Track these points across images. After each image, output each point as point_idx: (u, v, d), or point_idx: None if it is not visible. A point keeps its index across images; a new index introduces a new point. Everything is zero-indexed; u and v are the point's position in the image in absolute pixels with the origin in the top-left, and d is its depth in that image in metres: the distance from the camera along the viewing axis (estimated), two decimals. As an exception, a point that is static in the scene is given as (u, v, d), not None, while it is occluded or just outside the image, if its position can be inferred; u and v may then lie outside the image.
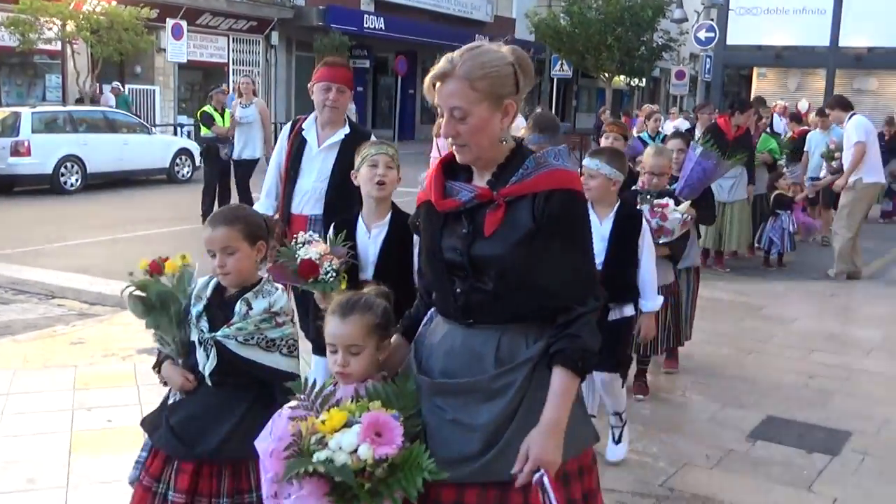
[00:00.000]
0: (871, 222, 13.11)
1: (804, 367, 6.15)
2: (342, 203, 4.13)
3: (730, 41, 26.49)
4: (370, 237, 3.57)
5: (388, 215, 3.58)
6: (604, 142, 5.64)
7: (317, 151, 4.57)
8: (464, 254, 2.24)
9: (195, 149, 17.23)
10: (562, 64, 30.10)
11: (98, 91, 20.99)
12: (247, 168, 11.77)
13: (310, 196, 4.54)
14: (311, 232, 3.62)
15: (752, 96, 25.70)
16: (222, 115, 11.85)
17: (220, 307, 2.77)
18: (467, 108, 2.17)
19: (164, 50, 22.58)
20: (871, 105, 24.73)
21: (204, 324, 2.74)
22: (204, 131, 11.98)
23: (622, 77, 34.62)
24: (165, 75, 24.35)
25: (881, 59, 25.87)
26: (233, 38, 26.97)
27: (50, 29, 19.25)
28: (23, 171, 15.22)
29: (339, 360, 2.35)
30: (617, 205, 4.18)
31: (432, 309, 2.44)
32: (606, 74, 31.40)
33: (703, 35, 22.83)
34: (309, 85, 4.63)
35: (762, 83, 28.01)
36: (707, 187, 5.89)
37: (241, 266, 2.74)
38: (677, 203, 4.98)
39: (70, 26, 19.41)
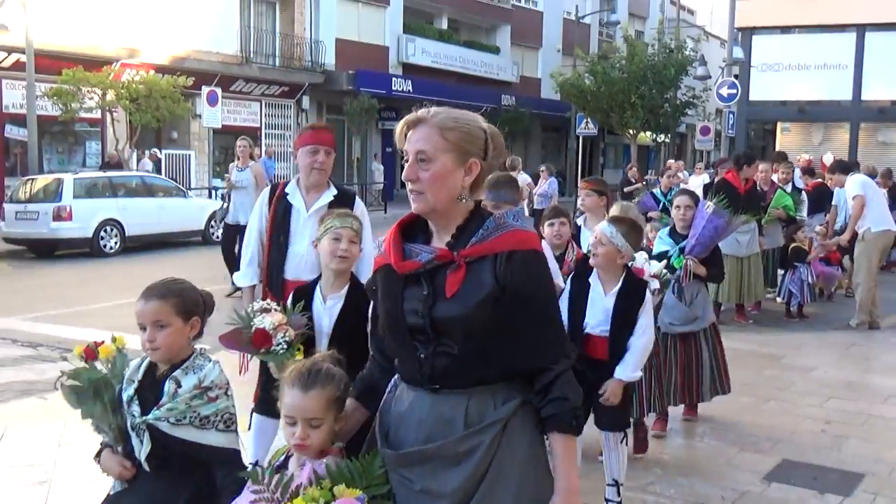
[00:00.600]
0: (886, 273, 13.27)
1: (821, 413, 6.32)
2: None
3: (752, 97, 26.86)
4: (325, 307, 3.56)
5: (346, 287, 3.57)
6: (579, 201, 5.76)
7: (307, 216, 4.50)
8: (425, 316, 2.21)
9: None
10: (587, 122, 30.57)
11: (136, 156, 21.70)
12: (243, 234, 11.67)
13: (305, 261, 4.43)
14: (267, 301, 3.63)
15: (777, 150, 26.05)
16: (259, 179, 12.33)
17: (150, 388, 2.68)
18: (432, 154, 2.20)
19: (200, 116, 23.34)
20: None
21: (135, 407, 2.65)
22: (238, 194, 12.43)
23: (648, 133, 35.05)
24: (200, 140, 25.12)
25: (905, 112, 26.06)
26: (265, 103, 27.81)
27: (91, 98, 20.06)
28: (65, 235, 15.78)
29: (297, 434, 2.33)
30: (623, 276, 4.16)
31: (395, 376, 2.41)
32: (631, 132, 31.83)
33: (725, 92, 23.16)
34: (294, 150, 4.71)
35: (786, 137, 28.26)
36: (716, 245, 5.89)
37: (172, 342, 2.66)
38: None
39: (110, 95, 20.22)
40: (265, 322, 3.37)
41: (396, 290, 2.28)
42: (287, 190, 4.57)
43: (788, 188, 10.94)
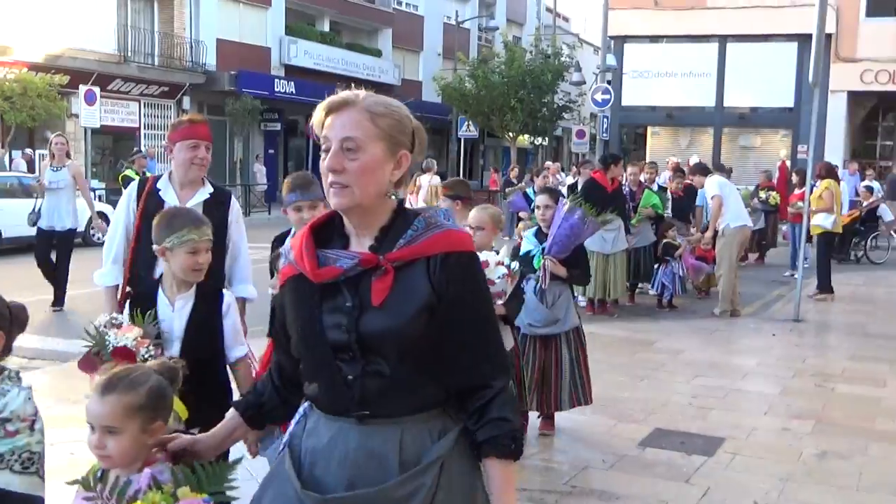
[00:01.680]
0: (750, 268, 14.37)
1: (688, 389, 6.98)
2: (214, 265, 3.63)
3: (625, 102, 28.20)
4: (174, 310, 3.28)
5: (194, 286, 3.32)
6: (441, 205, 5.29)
7: None
8: (351, 330, 1.95)
9: (110, 212, 17.51)
10: (468, 125, 31.34)
11: (9, 156, 21.03)
12: (65, 241, 10.43)
13: None
14: (113, 314, 3.31)
15: (648, 153, 27.41)
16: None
17: None
18: (362, 142, 1.95)
19: (76, 115, 22.78)
20: (756, 160, 26.59)
21: None
22: (127, 194, 12.36)
23: (526, 136, 36.12)
24: (76, 140, 24.39)
25: (763, 118, 27.91)
26: (144, 103, 27.29)
27: (-39, 96, 19.37)
28: (-64, 238, 15.23)
29: (94, 441, 2.13)
30: None
31: (304, 405, 2.13)
32: (511, 134, 32.79)
33: (599, 97, 24.25)
34: (166, 143, 4.42)
35: (656, 141, 29.76)
36: (581, 247, 5.73)
37: None
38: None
39: (-19, 93, 19.55)
40: (125, 339, 3.03)
41: (313, 304, 2.00)
42: (159, 185, 4.27)
43: (654, 188, 11.76)
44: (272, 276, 3.97)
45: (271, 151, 31.89)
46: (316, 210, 3.86)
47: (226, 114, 28.36)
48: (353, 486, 1.95)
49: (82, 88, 21.53)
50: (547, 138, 38.53)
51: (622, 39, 28.13)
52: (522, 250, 5.71)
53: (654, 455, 5.40)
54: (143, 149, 21.69)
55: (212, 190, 4.28)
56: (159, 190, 4.24)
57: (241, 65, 28.84)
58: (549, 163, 23.17)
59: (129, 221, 4.34)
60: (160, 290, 3.32)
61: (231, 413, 2.30)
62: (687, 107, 28.15)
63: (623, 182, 10.68)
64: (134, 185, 4.41)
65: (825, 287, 11.83)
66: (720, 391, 6.94)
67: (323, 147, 2.01)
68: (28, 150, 22.22)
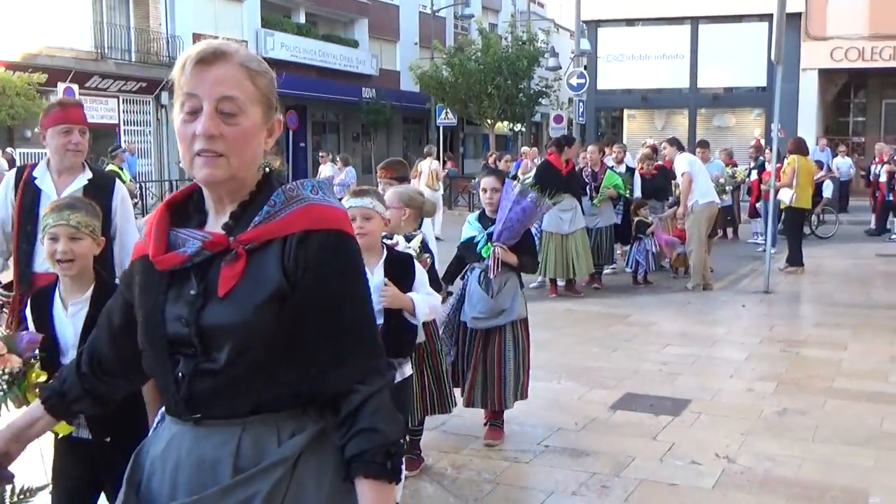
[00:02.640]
0: (722, 244, 14.68)
1: (659, 357, 7.31)
2: (101, 254, 3.30)
3: (600, 86, 28.52)
4: (67, 315, 2.94)
5: (91, 288, 2.96)
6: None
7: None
8: (191, 323, 1.67)
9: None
10: (446, 112, 31.54)
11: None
12: None
13: None
14: None
15: (625, 136, 27.72)
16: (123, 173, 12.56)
17: None
18: (243, 104, 1.69)
19: (55, 113, 22.80)
20: (732, 139, 26.97)
21: None
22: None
23: (505, 123, 36.39)
24: (56, 138, 24.54)
25: (736, 98, 28.32)
26: (123, 99, 27.37)
27: (-61, 97, 19.44)
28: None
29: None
30: (384, 253, 3.82)
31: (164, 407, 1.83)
32: (489, 121, 33.04)
33: (574, 81, 24.53)
34: (39, 130, 4.17)
35: (632, 123, 30.13)
36: (528, 232, 5.39)
37: None
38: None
39: (-41, 93, 19.64)
40: None
41: (157, 291, 1.74)
42: (35, 173, 4.08)
43: (622, 168, 11.99)
44: None
45: (251, 144, 31.98)
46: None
47: (205, 108, 28.46)
48: (182, 496, 1.69)
49: (61, 86, 21.56)
50: (525, 124, 38.81)
51: (596, 24, 28.44)
52: (464, 236, 5.29)
53: (624, 417, 5.71)
54: (122, 145, 21.80)
55: (90, 176, 4.11)
56: (35, 178, 4.07)
57: (218, 59, 28.90)
58: (525, 148, 23.46)
59: (6, 213, 4.15)
60: (56, 292, 2.98)
61: (35, 401, 2.06)
62: (661, 89, 28.52)
63: (578, 164, 10.79)
64: (12, 175, 4.23)
65: (795, 260, 12.19)
66: (689, 358, 7.26)
67: (187, 106, 1.69)
68: (9, 150, 22.26)
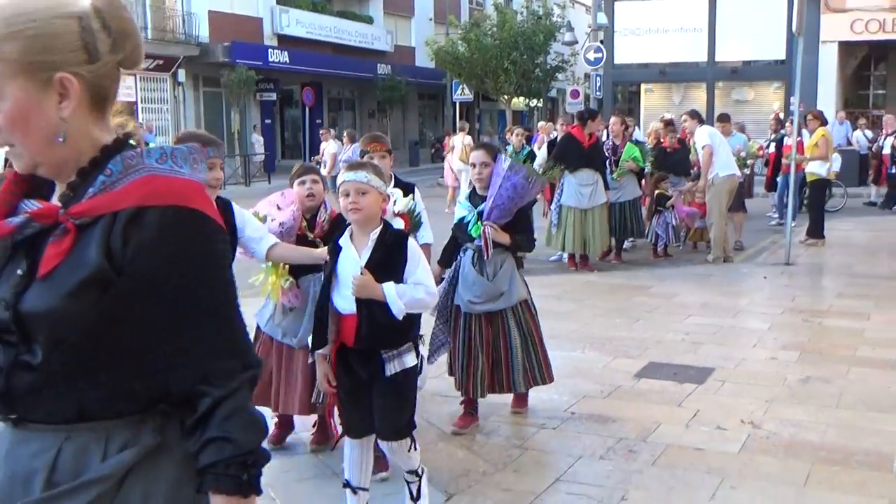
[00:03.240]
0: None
1: (682, 327, 7.35)
2: None
3: (617, 60, 28.31)
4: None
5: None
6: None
7: None
8: (10, 307, 1.44)
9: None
10: (462, 88, 31.48)
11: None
12: None
13: None
14: None
15: (642, 111, 27.59)
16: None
17: None
18: None
19: (74, 91, 22.92)
20: (750, 113, 26.78)
21: None
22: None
23: (521, 98, 36.26)
24: (75, 116, 24.68)
25: (755, 71, 28.09)
26: (140, 77, 27.42)
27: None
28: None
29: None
30: (379, 228, 3.48)
31: None
32: (505, 97, 32.93)
33: (591, 56, 24.44)
34: None
35: (650, 98, 29.94)
36: (524, 209, 4.92)
37: None
38: None
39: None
40: None
41: None
42: None
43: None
44: None
45: (268, 121, 32.05)
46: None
47: (221, 85, 28.52)
48: None
49: (79, 64, 21.69)
50: (542, 100, 38.66)
51: (613, -3, 28.21)
52: (456, 217, 4.99)
53: (649, 385, 5.76)
54: (141, 122, 21.92)
55: None
56: None
57: (234, 36, 28.92)
58: (541, 123, 23.40)
59: None
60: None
61: None
62: (679, 63, 28.28)
63: (601, 138, 10.72)
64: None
65: (816, 233, 12.17)
66: (712, 328, 7.30)
67: None
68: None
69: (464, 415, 4.99)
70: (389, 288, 3.37)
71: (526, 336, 4.92)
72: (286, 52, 30.85)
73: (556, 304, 8.26)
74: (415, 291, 3.41)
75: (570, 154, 9.84)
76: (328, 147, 19.90)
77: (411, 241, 3.55)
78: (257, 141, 30.15)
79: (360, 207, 3.39)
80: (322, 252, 3.83)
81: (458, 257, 4.91)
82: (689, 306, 8.22)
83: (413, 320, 3.54)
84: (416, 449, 3.64)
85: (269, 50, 30.45)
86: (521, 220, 4.87)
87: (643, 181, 11.36)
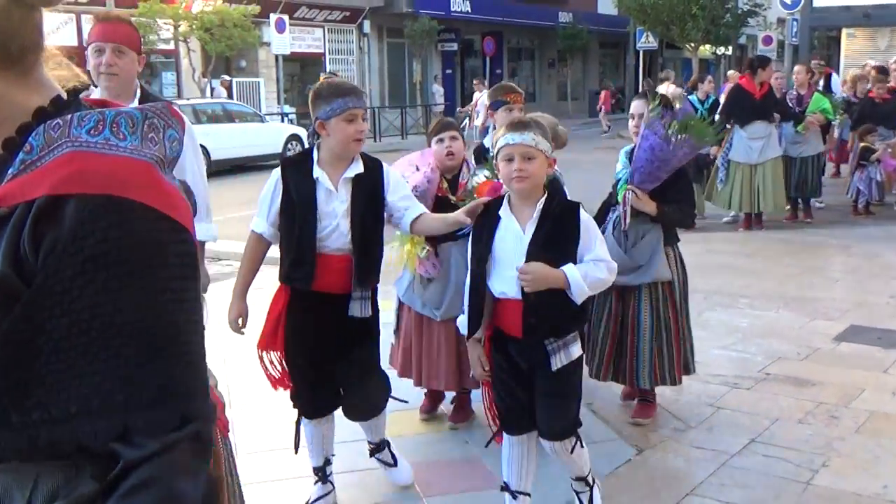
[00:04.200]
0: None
1: (886, 289, 6.91)
2: None
3: (816, 3, 26.52)
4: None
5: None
6: (504, 115, 4.11)
7: None
8: None
9: (304, 134, 18.78)
10: (647, 36, 30.53)
11: (210, 85, 22.57)
12: None
13: None
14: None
15: (842, 58, 25.80)
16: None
17: None
18: None
19: (267, 44, 23.99)
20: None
21: None
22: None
23: (708, 46, 34.76)
24: (268, 67, 25.82)
25: (975, 13, 25.60)
26: (328, 29, 28.31)
27: (167, 30, 20.86)
28: (156, 161, 16.74)
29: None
30: (542, 197, 3.02)
31: None
32: (692, 44, 31.66)
33: (788, -1, 22.98)
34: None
35: (851, 43, 27.96)
36: (681, 175, 4.20)
37: None
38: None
39: (183, 26, 21.00)
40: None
41: None
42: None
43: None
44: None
45: (449, 71, 32.36)
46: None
47: (404, 36, 28.99)
48: None
49: (273, 17, 22.64)
50: (731, 47, 36.90)
51: (814, -65, 26.38)
52: (616, 174, 4.38)
53: (850, 349, 5.47)
54: (332, 73, 22.65)
55: (135, 104, 3.35)
56: None
57: (418, -14, 29.28)
58: (731, 72, 22.35)
59: None
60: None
61: None
62: (887, 4, 26.16)
63: (774, 87, 9.72)
64: None
65: None
66: (920, 292, 6.83)
67: None
68: (225, 77, 23.65)
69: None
70: (573, 272, 2.93)
71: (660, 324, 4.19)
72: (468, 2, 30.92)
73: (748, 262, 7.98)
74: (597, 271, 2.98)
75: (739, 107, 9.31)
76: (482, 98, 19.83)
77: (583, 212, 3.06)
78: (438, 91, 30.54)
79: (526, 175, 2.92)
80: (465, 218, 3.14)
81: (607, 217, 4.29)
82: (893, 267, 7.70)
83: (586, 304, 3.11)
84: (582, 447, 3.19)
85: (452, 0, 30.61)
86: (676, 187, 4.13)
87: (827, 135, 10.61)
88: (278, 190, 3.32)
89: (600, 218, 4.26)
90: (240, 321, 3.39)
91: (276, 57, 23.56)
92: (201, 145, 17.03)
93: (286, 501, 3.63)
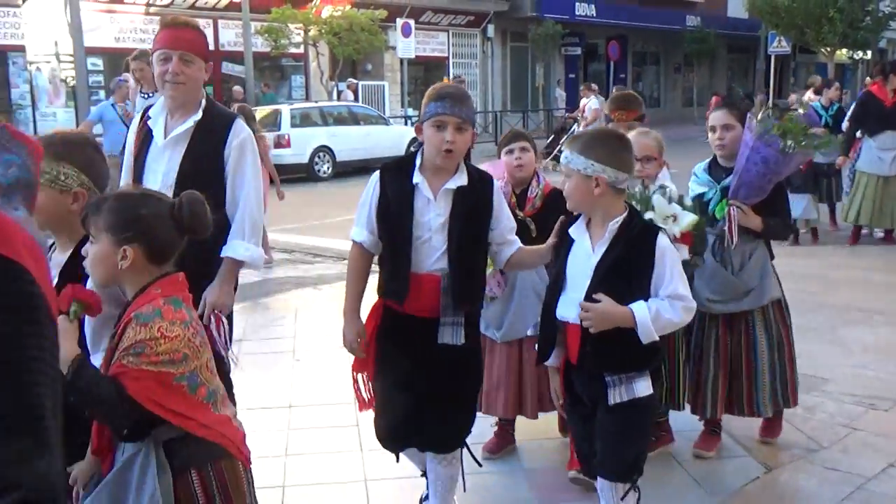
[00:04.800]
0: None
1: None
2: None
3: (966, 6, 25.10)
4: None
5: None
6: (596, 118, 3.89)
7: (161, 146, 3.33)
8: None
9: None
10: (779, 40, 29.52)
11: (337, 88, 23.14)
12: None
13: None
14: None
15: None
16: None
17: None
18: None
19: (393, 47, 24.41)
20: None
21: None
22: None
23: (844, 50, 33.36)
24: (393, 71, 26.26)
25: None
26: (452, 33, 28.59)
27: (297, 34, 21.52)
28: (284, 161, 17.22)
29: None
30: (620, 218, 2.72)
31: None
32: (827, 49, 30.46)
33: (935, 1, 21.83)
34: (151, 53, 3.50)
35: None
36: (780, 185, 3.92)
37: None
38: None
39: (313, 31, 21.62)
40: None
41: None
42: (150, 113, 3.42)
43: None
44: None
45: (572, 76, 32.13)
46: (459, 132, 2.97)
47: (528, 40, 28.98)
48: None
49: (399, 21, 23.02)
50: (869, 52, 35.28)
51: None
52: (691, 192, 3.97)
53: None
54: (457, 77, 22.83)
55: (199, 117, 3.32)
56: (150, 118, 3.42)
57: (543, -10, 29.21)
58: (869, 78, 21.37)
59: (130, 159, 3.48)
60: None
61: None
62: None
63: None
64: (137, 116, 3.55)
65: None
66: None
67: None
68: (352, 80, 24.19)
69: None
70: (642, 312, 2.64)
71: (775, 345, 3.92)
72: (593, 6, 30.66)
73: (884, 277, 7.62)
74: (672, 312, 2.66)
75: (869, 115, 8.82)
76: (590, 102, 19.49)
77: (663, 238, 2.74)
78: (560, 95, 30.38)
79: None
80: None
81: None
82: None
83: (658, 343, 2.74)
84: (637, 500, 2.85)
85: (577, 3, 30.40)
86: (776, 199, 3.88)
87: None
88: (375, 195, 3.08)
89: None
90: (359, 340, 3.11)
91: (401, 60, 23.94)
92: (327, 146, 17.54)
93: None
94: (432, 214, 2.97)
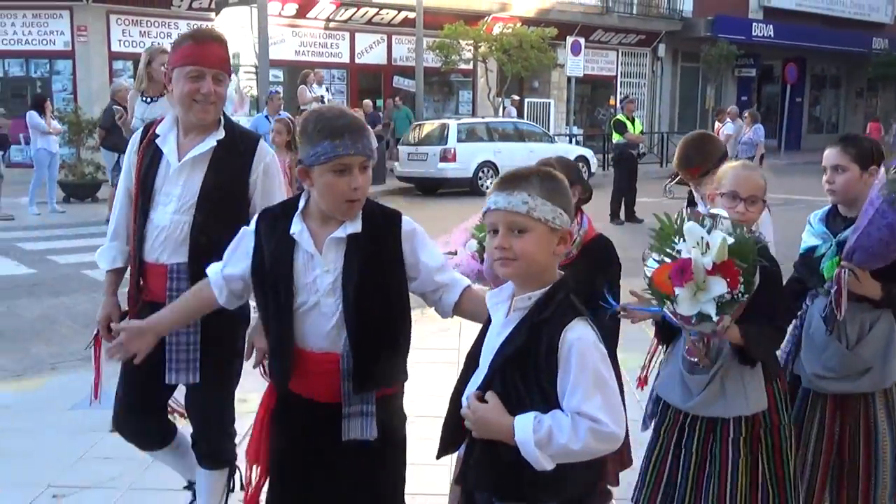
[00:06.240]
0: None
1: None
2: (214, 244, 2.68)
3: None
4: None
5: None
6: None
7: (176, 168, 3.03)
8: None
9: (590, 155, 18.97)
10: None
11: (503, 104, 23.36)
12: None
13: (167, 235, 3.00)
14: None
15: None
16: (633, 123, 12.99)
17: None
18: None
19: (561, 65, 24.40)
20: None
21: None
22: (616, 137, 13.20)
23: None
24: (560, 89, 26.25)
25: None
26: (622, 52, 28.30)
27: (468, 50, 21.89)
28: (449, 175, 17.56)
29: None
30: (540, 292, 2.00)
31: None
32: None
33: None
34: (165, 67, 3.15)
35: None
36: None
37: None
38: None
39: (483, 47, 21.92)
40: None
41: None
42: (158, 130, 3.10)
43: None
44: None
45: (744, 98, 31.10)
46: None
47: (700, 60, 28.30)
48: None
49: (569, 40, 23.00)
50: None
51: None
52: (804, 244, 3.26)
53: None
54: (627, 96, 22.59)
55: (222, 135, 3.03)
56: (158, 137, 3.09)
57: (718, 9, 28.45)
58: None
59: (129, 183, 3.17)
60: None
61: None
62: None
63: None
64: (138, 133, 3.23)
65: None
66: None
67: None
68: (515, 97, 24.34)
69: None
70: (524, 430, 1.89)
71: None
72: (771, 26, 29.63)
73: None
74: (569, 433, 1.87)
75: None
76: (724, 128, 18.69)
77: (577, 328, 1.93)
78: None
79: (510, 257, 1.98)
80: None
81: (804, 305, 3.26)
82: None
83: (588, 465, 1.95)
84: None
85: (754, 24, 29.47)
86: None
87: None
88: (247, 242, 2.43)
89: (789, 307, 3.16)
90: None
91: (569, 79, 23.90)
92: (492, 161, 17.68)
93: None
94: (318, 272, 2.32)
